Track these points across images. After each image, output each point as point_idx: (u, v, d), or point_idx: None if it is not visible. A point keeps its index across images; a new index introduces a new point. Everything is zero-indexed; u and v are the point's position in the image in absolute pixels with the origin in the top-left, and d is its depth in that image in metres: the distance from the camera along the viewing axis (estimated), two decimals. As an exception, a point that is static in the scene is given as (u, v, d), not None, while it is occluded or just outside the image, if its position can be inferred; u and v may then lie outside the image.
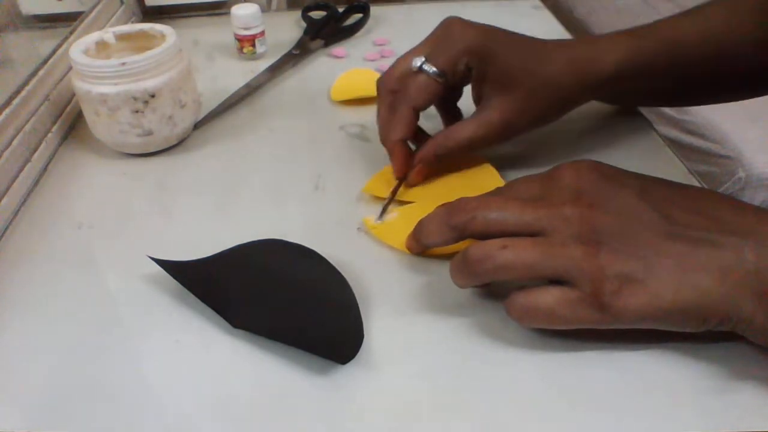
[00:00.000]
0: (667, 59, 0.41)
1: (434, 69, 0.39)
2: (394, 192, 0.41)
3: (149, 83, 0.44)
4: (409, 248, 0.36)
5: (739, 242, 0.28)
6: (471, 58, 0.39)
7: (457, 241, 0.32)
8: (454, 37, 0.40)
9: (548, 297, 0.29)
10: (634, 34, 0.42)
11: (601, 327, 0.29)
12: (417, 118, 0.41)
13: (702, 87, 0.45)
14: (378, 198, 0.41)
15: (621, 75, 0.40)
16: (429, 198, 0.40)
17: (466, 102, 0.43)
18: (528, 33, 0.42)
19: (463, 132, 0.40)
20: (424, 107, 0.41)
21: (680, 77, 0.43)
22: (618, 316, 0.28)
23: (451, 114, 0.45)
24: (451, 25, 0.40)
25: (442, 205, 0.34)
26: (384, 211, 0.40)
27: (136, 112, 0.45)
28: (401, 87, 0.41)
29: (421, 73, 0.40)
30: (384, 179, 0.42)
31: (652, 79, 0.42)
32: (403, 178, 0.41)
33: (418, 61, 0.40)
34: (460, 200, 0.33)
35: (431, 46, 0.41)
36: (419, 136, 0.43)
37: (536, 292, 0.29)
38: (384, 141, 0.42)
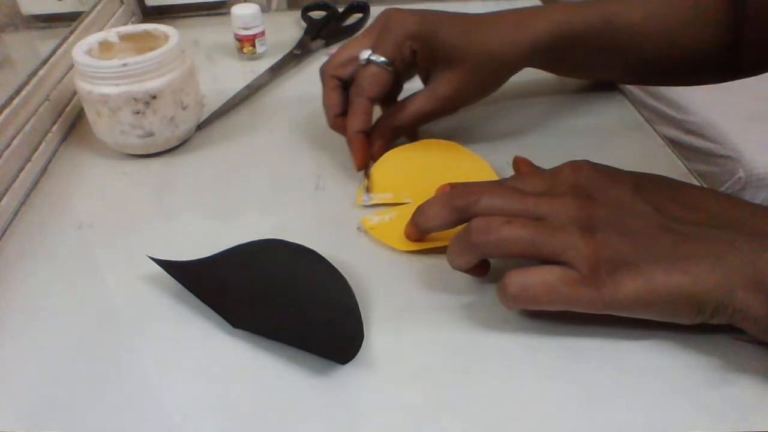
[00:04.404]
0: (602, 32, 0.43)
1: (382, 59, 0.41)
2: (368, 175, 0.43)
3: (150, 84, 0.44)
4: (407, 235, 0.37)
5: (732, 234, 0.28)
6: (414, 42, 0.42)
7: (457, 224, 0.33)
8: (395, 26, 0.42)
9: (550, 273, 0.29)
10: (569, 6, 0.43)
11: (596, 310, 0.29)
12: (372, 108, 0.42)
13: (649, 66, 0.47)
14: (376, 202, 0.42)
15: (553, 45, 0.42)
16: (426, 197, 0.39)
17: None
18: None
19: (414, 105, 0.43)
20: (379, 97, 0.42)
21: (622, 52, 0.44)
22: (612, 297, 0.28)
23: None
24: (390, 15, 0.43)
25: (442, 187, 0.35)
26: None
27: (137, 113, 0.45)
28: (352, 79, 0.43)
29: (371, 65, 0.42)
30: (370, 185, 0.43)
31: (589, 50, 0.44)
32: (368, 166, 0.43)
33: (365, 54, 0.42)
34: (464, 184, 0.34)
35: (374, 37, 0.43)
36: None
37: (537, 268, 0.30)
38: (338, 129, 0.44)
